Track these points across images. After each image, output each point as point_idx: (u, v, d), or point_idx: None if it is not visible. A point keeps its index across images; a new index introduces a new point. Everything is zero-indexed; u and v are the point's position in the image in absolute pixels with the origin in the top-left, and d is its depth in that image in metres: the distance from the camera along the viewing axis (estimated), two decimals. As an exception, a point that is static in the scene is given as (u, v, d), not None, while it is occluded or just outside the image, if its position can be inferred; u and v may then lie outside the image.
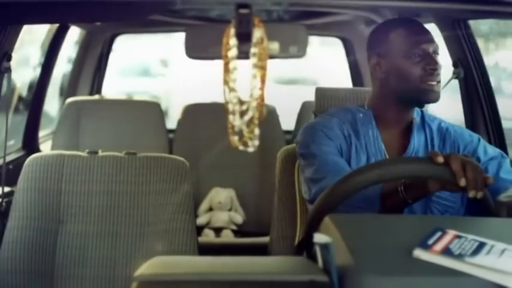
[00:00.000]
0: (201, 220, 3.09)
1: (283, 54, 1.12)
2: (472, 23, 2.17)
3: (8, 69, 1.99)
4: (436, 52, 1.60)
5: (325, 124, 1.66)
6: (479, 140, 1.67)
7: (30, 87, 3.15)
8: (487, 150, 1.64)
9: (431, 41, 1.60)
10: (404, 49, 1.59)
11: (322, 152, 1.60)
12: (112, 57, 3.84)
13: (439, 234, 1.00)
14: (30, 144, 3.01)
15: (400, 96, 1.62)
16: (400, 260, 0.93)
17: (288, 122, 3.42)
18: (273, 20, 2.91)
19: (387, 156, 1.64)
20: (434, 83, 1.58)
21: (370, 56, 1.68)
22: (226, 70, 1.06)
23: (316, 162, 1.59)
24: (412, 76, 1.58)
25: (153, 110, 3.30)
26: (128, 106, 3.32)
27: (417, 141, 1.66)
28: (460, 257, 0.92)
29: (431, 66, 1.57)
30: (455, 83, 2.24)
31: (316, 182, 1.56)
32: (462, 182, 1.27)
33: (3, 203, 2.04)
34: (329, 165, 1.56)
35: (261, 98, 1.13)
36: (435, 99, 1.59)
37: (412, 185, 1.40)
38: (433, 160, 1.31)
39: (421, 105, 1.66)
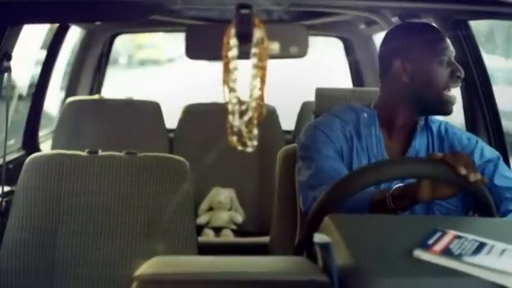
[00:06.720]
0: (201, 220, 3.09)
1: (284, 54, 1.12)
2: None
3: (8, 69, 1.99)
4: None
5: (327, 124, 1.65)
6: (477, 142, 1.67)
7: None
8: (484, 153, 1.64)
9: (452, 47, 1.62)
10: (436, 55, 1.58)
11: (321, 156, 1.59)
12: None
13: (439, 234, 0.99)
14: (30, 143, 3.01)
15: (420, 101, 1.61)
16: (400, 260, 0.93)
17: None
18: (273, 21, 2.91)
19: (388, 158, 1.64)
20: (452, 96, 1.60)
21: (391, 58, 1.62)
22: (227, 70, 1.06)
23: (313, 167, 1.58)
24: (440, 82, 1.58)
25: (153, 110, 3.29)
26: (128, 106, 3.31)
27: (418, 144, 1.65)
28: (460, 257, 0.92)
29: (458, 73, 1.58)
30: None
31: (311, 188, 1.56)
32: (463, 171, 1.29)
33: (3, 203, 2.04)
34: (325, 171, 1.55)
35: (261, 98, 1.13)
36: (450, 112, 1.61)
37: (401, 195, 1.40)
38: (431, 159, 1.33)
39: (434, 114, 1.67)
